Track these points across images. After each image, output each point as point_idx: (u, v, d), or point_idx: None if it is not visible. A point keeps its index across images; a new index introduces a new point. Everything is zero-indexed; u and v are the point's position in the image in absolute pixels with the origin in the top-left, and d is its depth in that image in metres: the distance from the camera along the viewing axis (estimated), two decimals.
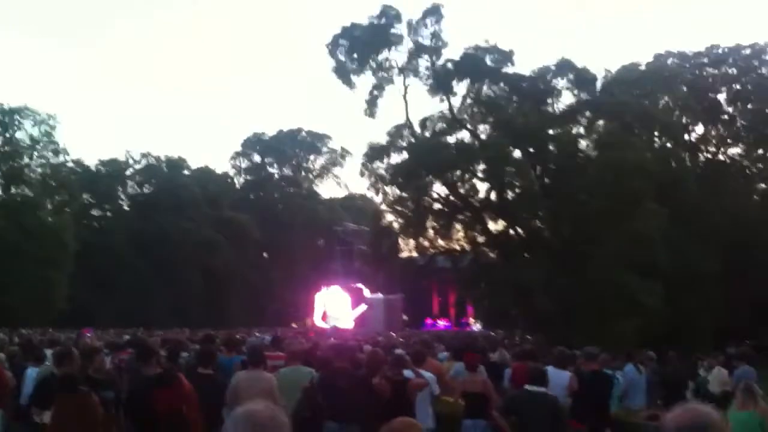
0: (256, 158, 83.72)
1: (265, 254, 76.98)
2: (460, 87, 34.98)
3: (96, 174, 68.90)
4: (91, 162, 69.90)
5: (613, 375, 10.13)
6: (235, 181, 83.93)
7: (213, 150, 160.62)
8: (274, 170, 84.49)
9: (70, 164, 64.45)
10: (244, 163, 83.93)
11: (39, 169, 60.41)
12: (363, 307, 53.78)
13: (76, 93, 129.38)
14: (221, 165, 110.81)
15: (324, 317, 54.21)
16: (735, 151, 38.11)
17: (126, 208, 72.17)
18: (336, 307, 54.65)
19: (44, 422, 5.84)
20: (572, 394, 8.98)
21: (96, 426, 3.46)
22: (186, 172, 74.49)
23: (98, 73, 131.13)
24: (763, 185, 37.64)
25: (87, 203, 67.84)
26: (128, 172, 72.54)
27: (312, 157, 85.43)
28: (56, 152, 60.68)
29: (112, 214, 70.52)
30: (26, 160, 59.78)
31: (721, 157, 37.74)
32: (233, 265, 67.49)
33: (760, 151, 37.04)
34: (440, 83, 34.39)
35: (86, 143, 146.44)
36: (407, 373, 9.13)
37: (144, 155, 72.84)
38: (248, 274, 69.15)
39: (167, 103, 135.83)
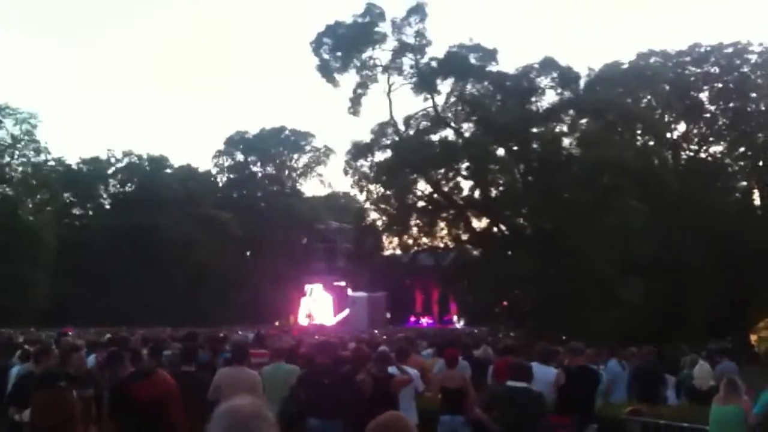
0: (239, 156, 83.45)
1: (247, 252, 76.75)
2: (444, 85, 35.07)
3: (77, 172, 68.56)
4: (73, 160, 69.66)
5: (598, 370, 10.16)
6: (218, 179, 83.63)
7: (196, 148, 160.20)
8: (257, 168, 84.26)
9: (52, 163, 64.18)
10: (227, 162, 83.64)
11: (20, 168, 60.09)
12: (345, 312, 53.76)
13: (57, 91, 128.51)
14: (204, 163, 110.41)
15: (309, 316, 54.10)
16: (717, 149, 38.35)
17: (107, 206, 71.82)
18: (319, 306, 54.56)
19: (24, 421, 5.80)
20: (558, 389, 9.00)
21: (74, 422, 3.42)
22: (168, 170, 74.24)
23: (80, 72, 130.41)
24: (744, 183, 37.87)
25: (68, 202, 67.53)
26: (110, 171, 72.19)
27: (295, 156, 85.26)
28: (37, 151, 60.41)
29: (93, 213, 70.21)
30: (7, 158, 59.39)
31: (702, 155, 37.94)
32: (215, 264, 67.26)
33: (742, 149, 37.26)
34: (424, 81, 34.40)
35: (68, 142, 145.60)
36: (391, 369, 9.13)
37: (126, 154, 72.56)
38: (230, 272, 68.92)
39: (150, 101, 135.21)
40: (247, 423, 3.05)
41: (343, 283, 53.92)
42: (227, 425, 3.05)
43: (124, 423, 6.66)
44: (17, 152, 59.67)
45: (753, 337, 34.40)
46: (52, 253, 55.22)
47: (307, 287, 57.97)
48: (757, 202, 37.06)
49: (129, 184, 72.05)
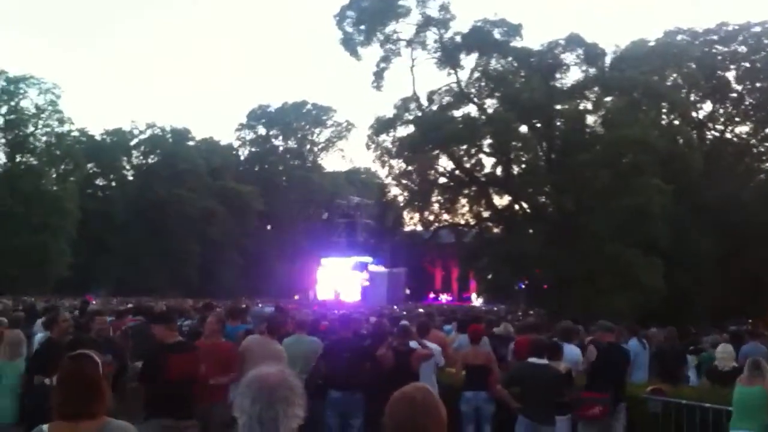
0: (261, 130, 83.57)
1: (267, 226, 77.02)
2: (468, 60, 34.73)
3: (101, 143, 68.90)
4: (96, 131, 69.92)
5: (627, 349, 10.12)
6: (240, 152, 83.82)
7: (218, 121, 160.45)
8: (278, 142, 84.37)
9: (75, 133, 64.46)
10: (248, 135, 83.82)
11: (44, 138, 60.42)
12: (365, 280, 53.82)
13: (80, 64, 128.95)
14: (226, 136, 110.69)
15: (334, 293, 54.29)
16: (742, 129, 37.86)
17: (130, 177, 72.19)
18: (339, 280, 54.71)
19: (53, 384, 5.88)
20: (590, 365, 8.95)
21: (99, 389, 3.44)
22: (190, 143, 74.41)
23: (105, 44, 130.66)
24: None
25: (91, 172, 67.87)
26: (133, 143, 72.44)
27: (317, 130, 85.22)
28: (61, 121, 60.70)
29: (116, 184, 70.62)
30: (31, 128, 59.73)
31: (728, 135, 37.50)
32: (235, 236, 67.67)
33: None
34: (448, 56, 34.11)
35: (91, 114, 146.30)
36: (413, 343, 9.15)
37: (149, 125, 72.75)
38: (249, 245, 69.31)
39: (173, 73, 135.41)
40: (274, 390, 3.06)
41: (363, 259, 53.97)
42: (255, 392, 3.06)
43: (154, 393, 6.74)
44: (41, 122, 59.99)
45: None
46: (75, 223, 55.67)
47: (325, 261, 58.05)
48: None
49: (151, 156, 72.33)
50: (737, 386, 7.43)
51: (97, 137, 69.24)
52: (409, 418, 2.68)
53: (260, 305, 25.81)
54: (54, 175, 60.24)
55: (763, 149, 37.57)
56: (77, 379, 3.40)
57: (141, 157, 73.00)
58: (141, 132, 72.52)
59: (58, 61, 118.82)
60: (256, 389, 3.07)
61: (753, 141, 37.43)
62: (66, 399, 3.38)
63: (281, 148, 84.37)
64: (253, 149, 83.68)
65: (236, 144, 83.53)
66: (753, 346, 11.24)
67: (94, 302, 22.89)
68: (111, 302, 29.53)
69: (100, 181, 70.67)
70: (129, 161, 72.69)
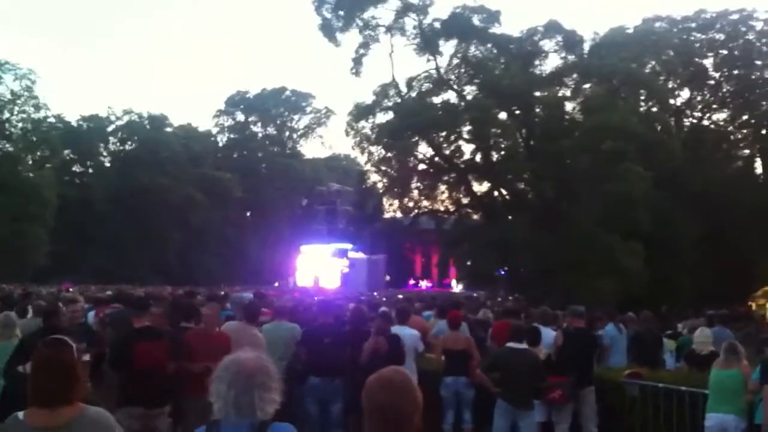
0: (240, 117, 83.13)
1: (247, 213, 76.78)
2: (447, 47, 34.73)
3: (77, 130, 68.13)
4: (73, 118, 69.21)
5: (597, 334, 10.20)
6: (218, 139, 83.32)
7: (196, 108, 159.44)
8: (257, 129, 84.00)
9: (52, 120, 63.71)
10: (227, 122, 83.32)
11: (20, 124, 59.69)
12: (345, 267, 53.80)
13: (56, 49, 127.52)
14: (204, 123, 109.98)
15: (314, 280, 54.20)
16: (720, 116, 38.19)
17: (107, 164, 71.53)
18: (319, 267, 54.65)
19: (27, 372, 5.82)
20: (556, 350, 9.05)
21: (73, 377, 3.41)
22: (168, 129, 73.75)
23: (81, 28, 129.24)
24: (746, 151, 37.76)
25: (68, 159, 67.17)
26: (110, 129, 71.70)
27: (296, 117, 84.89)
28: (37, 107, 59.94)
29: (93, 171, 69.93)
30: (6, 114, 58.97)
31: (705, 122, 37.80)
32: (214, 224, 67.36)
33: (745, 117, 37.08)
34: (427, 42, 34.08)
35: (67, 100, 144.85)
36: (394, 329, 9.18)
37: (126, 112, 71.99)
38: (229, 232, 69.08)
39: (150, 59, 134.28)
40: (251, 376, 3.05)
41: (343, 245, 53.92)
42: (232, 377, 3.05)
43: (122, 380, 6.70)
44: (17, 108, 59.21)
45: (752, 306, 34.60)
46: (53, 211, 55.14)
47: (305, 248, 57.96)
48: (759, 170, 36.99)
49: (129, 143, 71.65)
50: (713, 370, 7.51)
51: (74, 123, 68.44)
52: (387, 399, 2.70)
53: (240, 292, 25.73)
54: (30, 162, 59.58)
55: (740, 136, 37.95)
56: (52, 364, 3.37)
57: (118, 144, 72.29)
58: (118, 118, 71.78)
59: (32, 47, 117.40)
60: (232, 374, 3.07)
61: (730, 128, 37.80)
62: (41, 385, 3.35)
63: (260, 135, 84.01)
64: (231, 136, 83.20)
65: (215, 130, 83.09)
66: (720, 330, 11.38)
67: (71, 290, 22.73)
68: (89, 290, 29.30)
69: (77, 168, 69.92)
70: (106, 148, 71.97)
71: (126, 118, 71.81)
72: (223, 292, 18.13)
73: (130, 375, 6.63)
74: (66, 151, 65.40)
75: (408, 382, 2.80)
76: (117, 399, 6.61)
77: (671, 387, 8.48)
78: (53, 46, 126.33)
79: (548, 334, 9.59)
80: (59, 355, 3.42)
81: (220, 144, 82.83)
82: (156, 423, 6.65)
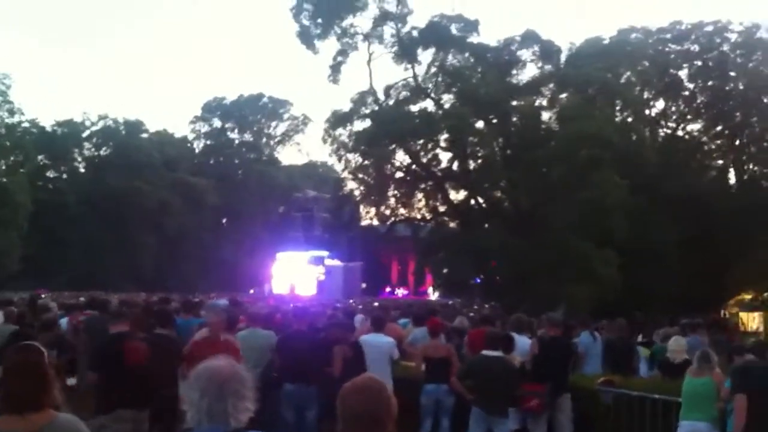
0: (217, 123, 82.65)
1: (223, 220, 76.40)
2: (425, 55, 34.89)
3: (52, 135, 67.49)
4: (48, 123, 68.57)
5: (572, 342, 10.25)
6: (195, 145, 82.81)
7: (172, 114, 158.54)
8: (234, 135, 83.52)
9: (26, 124, 63.06)
10: (203, 128, 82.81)
11: None
12: (321, 274, 53.71)
13: (32, 53, 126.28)
14: (181, 129, 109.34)
15: (289, 287, 54.04)
16: (694, 127, 38.60)
17: (82, 170, 70.90)
18: (295, 274, 54.52)
19: None
20: (532, 358, 9.08)
21: (45, 382, 3.38)
22: (144, 135, 73.24)
23: (56, 33, 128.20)
24: (720, 162, 38.20)
25: (42, 164, 66.49)
26: (85, 134, 71.09)
27: (273, 124, 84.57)
28: (11, 112, 59.26)
29: (68, 176, 69.28)
30: None
31: (680, 132, 38.20)
32: (190, 230, 66.95)
33: (719, 128, 37.51)
34: (405, 51, 34.20)
35: (42, 104, 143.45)
36: (370, 337, 9.21)
37: (101, 117, 71.40)
38: (205, 238, 68.65)
39: (126, 64, 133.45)
40: (224, 384, 3.03)
41: (319, 253, 53.85)
42: (204, 385, 3.03)
43: (110, 382, 6.65)
44: None
45: (724, 314, 34.99)
46: (26, 216, 54.55)
47: (281, 255, 57.79)
48: (732, 180, 37.44)
49: (104, 148, 71.01)
50: (686, 377, 7.56)
51: (48, 128, 67.82)
52: (362, 406, 2.75)
53: (214, 298, 25.58)
54: (4, 167, 58.86)
55: (714, 147, 38.36)
56: (22, 369, 3.33)
57: (93, 149, 71.63)
58: (93, 123, 71.12)
59: (6, 51, 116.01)
60: (205, 381, 3.04)
61: (704, 138, 38.19)
62: (12, 390, 3.31)
63: (237, 141, 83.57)
64: (208, 142, 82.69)
65: (191, 137, 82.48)
66: (692, 339, 11.49)
67: (44, 296, 22.50)
68: (62, 296, 29.01)
69: (51, 173, 69.20)
70: (81, 153, 71.31)
71: (101, 124, 71.20)
72: (197, 299, 17.98)
73: (120, 375, 6.58)
74: (40, 156, 64.71)
75: (383, 390, 2.84)
76: (102, 404, 6.54)
77: (645, 395, 8.54)
78: (28, 50, 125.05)
79: (523, 341, 9.62)
80: (30, 360, 3.39)
81: (197, 150, 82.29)
82: (141, 425, 6.62)
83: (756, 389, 6.54)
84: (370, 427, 2.74)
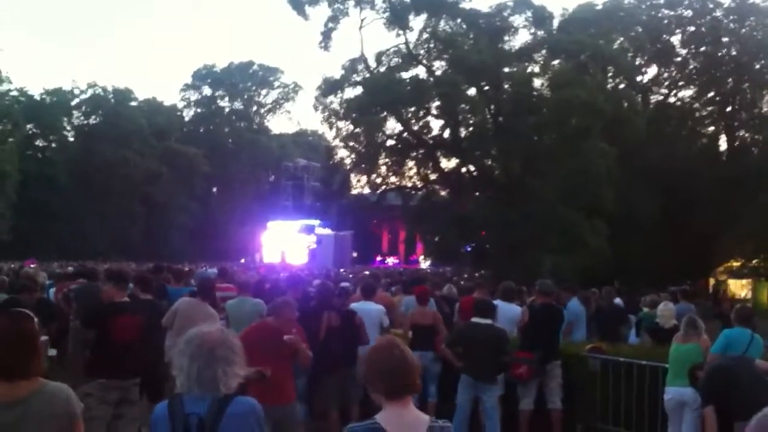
0: (207, 91, 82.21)
1: (214, 189, 76.22)
2: (417, 21, 34.52)
3: (40, 103, 66.99)
4: (36, 91, 68.00)
5: (562, 309, 10.30)
6: (184, 113, 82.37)
7: (162, 82, 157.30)
8: (224, 104, 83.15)
9: (14, 93, 62.55)
10: (193, 96, 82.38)
11: None
12: (312, 243, 53.74)
13: (19, 21, 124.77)
14: (170, 97, 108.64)
15: (281, 256, 54.08)
16: (686, 93, 38.47)
17: (71, 139, 70.49)
18: (285, 243, 54.55)
19: None
20: (522, 326, 9.13)
21: (33, 344, 3.37)
22: (133, 103, 72.76)
23: (44, 2, 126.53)
24: (711, 128, 38.18)
25: (31, 133, 66.06)
26: (74, 103, 70.59)
27: (264, 92, 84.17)
28: None
29: (57, 145, 68.88)
30: None
31: (672, 99, 38.10)
32: (180, 199, 66.86)
33: (711, 94, 37.44)
34: (397, 17, 33.84)
35: (30, 73, 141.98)
36: (360, 304, 9.23)
37: (90, 85, 70.90)
38: (195, 208, 68.59)
39: (114, 32, 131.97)
40: (214, 349, 3.04)
41: (310, 221, 53.84)
42: (194, 350, 3.03)
43: (99, 353, 6.65)
44: None
45: (712, 282, 35.23)
46: (15, 186, 54.30)
47: (272, 224, 57.75)
48: (723, 147, 37.47)
49: (93, 117, 70.55)
50: (673, 344, 7.61)
51: (37, 97, 67.30)
52: (396, 361, 3.11)
53: (204, 268, 25.65)
54: None
55: (705, 113, 38.28)
56: (12, 336, 3.31)
57: (82, 118, 71.18)
58: (82, 92, 70.67)
59: None
60: (195, 347, 3.05)
61: (696, 105, 38.09)
62: (1, 358, 3.30)
63: (227, 110, 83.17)
64: (198, 110, 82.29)
65: (181, 105, 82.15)
66: (683, 305, 11.57)
67: (33, 266, 22.46)
68: (51, 266, 29.00)
69: (40, 142, 68.77)
70: (70, 122, 70.86)
71: (90, 92, 70.76)
72: (187, 269, 17.98)
73: (107, 348, 6.58)
74: (28, 125, 64.29)
75: (406, 348, 3.25)
76: (89, 370, 6.57)
77: (632, 361, 8.61)
78: (15, 17, 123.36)
79: (511, 309, 9.67)
80: (19, 326, 3.37)
81: (186, 119, 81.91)
82: (129, 394, 6.65)
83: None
84: (401, 378, 3.07)
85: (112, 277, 7.30)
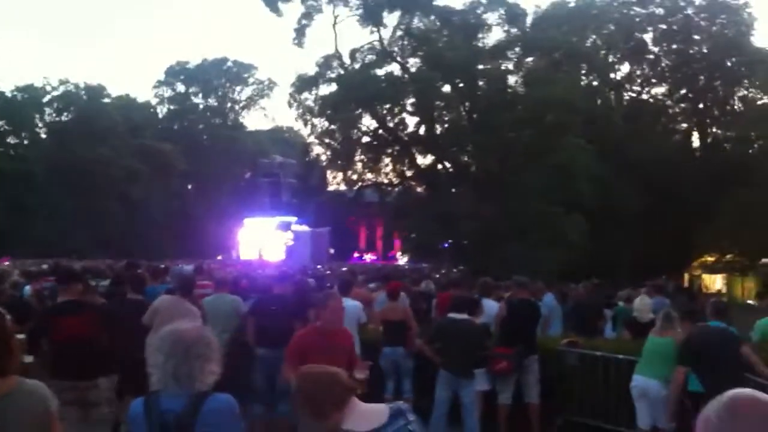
0: (180, 87, 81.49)
1: (189, 186, 75.69)
2: (391, 18, 34.65)
3: (12, 100, 66.10)
4: (7, 88, 67.13)
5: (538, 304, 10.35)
6: (158, 110, 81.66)
7: (135, 78, 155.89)
8: (198, 100, 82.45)
9: None
10: (167, 93, 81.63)
11: None
12: (289, 240, 53.58)
13: None
14: (144, 94, 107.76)
15: (258, 253, 53.85)
16: (659, 90, 38.86)
17: (43, 136, 69.63)
18: (262, 240, 54.34)
19: None
20: (500, 321, 9.15)
21: (7, 342, 3.32)
22: (106, 100, 72.04)
23: None
24: (684, 125, 38.55)
25: (2, 130, 65.21)
26: (46, 99, 69.75)
27: (238, 88, 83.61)
28: None
29: (29, 142, 67.99)
30: None
31: (645, 96, 38.44)
32: (155, 196, 66.28)
33: (683, 92, 37.81)
34: (370, 14, 33.88)
35: (1, 69, 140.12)
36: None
37: (62, 82, 70.05)
38: (171, 205, 68.05)
39: (87, 27, 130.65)
40: (190, 346, 3.02)
41: (287, 218, 53.68)
42: (170, 347, 3.01)
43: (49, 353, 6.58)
44: None
45: (686, 276, 35.57)
46: None
47: (249, 221, 57.52)
48: (696, 143, 37.85)
49: (66, 114, 69.71)
50: (649, 337, 7.69)
51: (8, 94, 66.45)
52: (310, 392, 2.96)
53: (180, 265, 25.45)
54: None
55: (678, 110, 38.68)
56: None
57: (54, 115, 70.33)
58: (54, 88, 69.80)
59: None
60: (171, 344, 3.03)
61: (669, 102, 38.48)
62: None
63: (201, 106, 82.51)
64: (172, 107, 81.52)
65: (154, 101, 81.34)
66: (658, 300, 11.69)
67: (6, 263, 22.21)
68: (26, 263, 28.65)
69: (12, 140, 67.87)
70: (42, 119, 70.01)
71: (62, 89, 69.86)
72: (163, 266, 17.84)
73: (53, 348, 6.52)
74: (0, 122, 63.46)
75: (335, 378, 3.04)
76: (50, 371, 6.49)
77: (608, 355, 8.67)
78: None
79: (489, 304, 9.69)
80: None
81: (160, 115, 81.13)
82: (87, 395, 6.52)
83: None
84: (314, 411, 2.92)
85: (58, 277, 7.21)
